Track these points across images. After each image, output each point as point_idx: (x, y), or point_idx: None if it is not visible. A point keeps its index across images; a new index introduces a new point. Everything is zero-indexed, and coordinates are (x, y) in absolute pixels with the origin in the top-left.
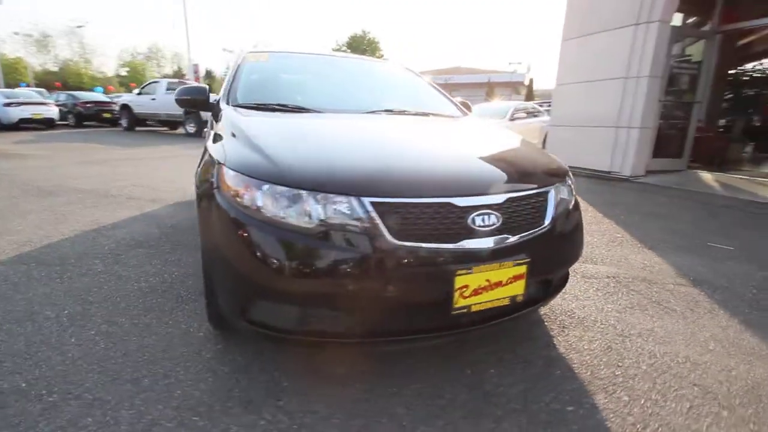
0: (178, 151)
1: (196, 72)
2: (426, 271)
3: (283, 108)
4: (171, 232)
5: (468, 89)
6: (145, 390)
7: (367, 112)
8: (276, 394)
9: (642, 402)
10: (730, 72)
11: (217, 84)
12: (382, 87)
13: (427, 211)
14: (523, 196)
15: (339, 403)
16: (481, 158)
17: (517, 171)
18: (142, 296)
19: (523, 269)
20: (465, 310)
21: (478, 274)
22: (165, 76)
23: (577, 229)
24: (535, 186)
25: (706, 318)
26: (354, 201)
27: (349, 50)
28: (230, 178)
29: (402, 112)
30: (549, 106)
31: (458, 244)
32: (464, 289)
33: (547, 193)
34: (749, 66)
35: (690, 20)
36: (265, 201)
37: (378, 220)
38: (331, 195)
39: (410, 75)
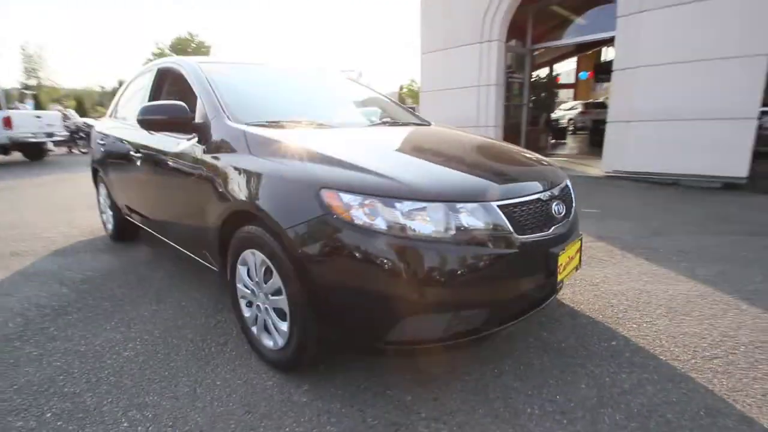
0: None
1: None
2: (541, 256)
3: (303, 124)
4: (88, 289)
5: None
6: None
7: (373, 125)
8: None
9: (639, 319)
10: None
11: None
12: (354, 99)
13: (529, 208)
14: (564, 186)
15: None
16: (524, 159)
17: (551, 167)
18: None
19: (579, 244)
20: (560, 284)
21: (564, 252)
22: None
23: None
24: (565, 177)
25: (627, 261)
26: (483, 206)
27: (173, 53)
28: (350, 200)
29: (395, 123)
30: None
31: (551, 230)
32: (561, 266)
33: (568, 182)
34: (543, 74)
35: (514, 41)
36: (402, 218)
37: (505, 220)
38: (462, 204)
39: (360, 85)
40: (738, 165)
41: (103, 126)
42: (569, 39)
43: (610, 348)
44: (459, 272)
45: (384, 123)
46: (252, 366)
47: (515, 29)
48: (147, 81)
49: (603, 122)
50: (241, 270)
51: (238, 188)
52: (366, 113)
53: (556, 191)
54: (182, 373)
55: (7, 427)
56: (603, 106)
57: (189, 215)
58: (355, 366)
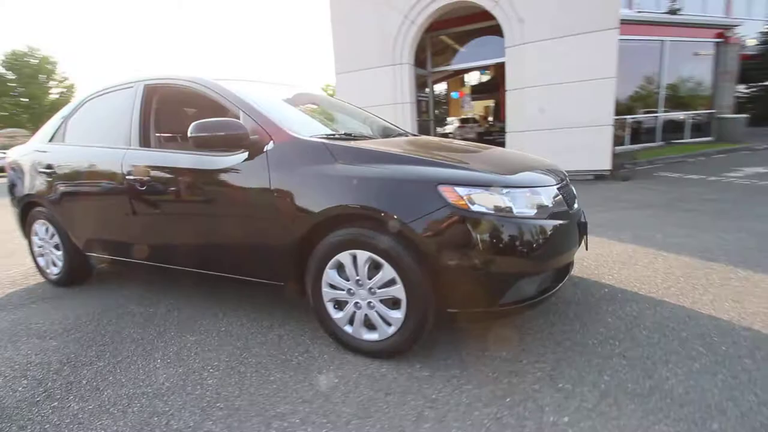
0: None
1: None
2: (581, 226)
3: (348, 137)
4: (85, 337)
5: None
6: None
7: (399, 136)
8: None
9: (610, 273)
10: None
11: None
12: (351, 113)
13: (563, 190)
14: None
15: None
16: (542, 158)
17: (550, 163)
18: None
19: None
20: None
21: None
22: None
23: None
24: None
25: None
26: (550, 189)
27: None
28: (463, 192)
29: (403, 134)
30: None
31: (572, 209)
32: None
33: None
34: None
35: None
36: (506, 202)
37: (562, 198)
38: (539, 188)
39: (347, 103)
40: (604, 161)
41: (46, 153)
42: (463, 64)
43: (607, 294)
44: (546, 239)
45: (398, 135)
46: (354, 361)
47: (419, 54)
48: (127, 100)
49: (483, 134)
50: (331, 273)
51: (335, 196)
52: (370, 126)
53: (564, 182)
54: (291, 381)
55: None
56: (474, 121)
57: (250, 235)
58: (441, 340)
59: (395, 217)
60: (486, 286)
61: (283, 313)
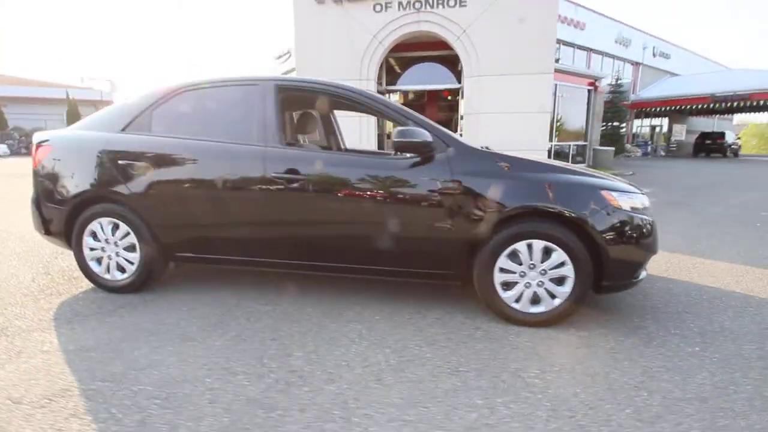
0: None
1: None
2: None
3: (488, 149)
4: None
5: (29, 105)
6: None
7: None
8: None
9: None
10: None
11: None
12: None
13: None
14: None
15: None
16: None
17: None
18: None
19: None
20: None
21: None
22: None
23: None
24: None
25: None
26: (644, 194)
27: None
28: (615, 195)
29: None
30: None
31: None
32: None
33: None
34: None
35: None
36: (637, 203)
37: None
38: (642, 195)
39: None
40: None
41: (126, 144)
42: (414, 86)
43: None
44: (654, 230)
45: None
46: (532, 330)
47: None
48: (253, 97)
49: None
50: (504, 261)
51: (521, 197)
52: None
53: None
54: (497, 347)
55: None
56: None
57: (424, 231)
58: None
59: (573, 213)
60: (632, 265)
61: (432, 303)
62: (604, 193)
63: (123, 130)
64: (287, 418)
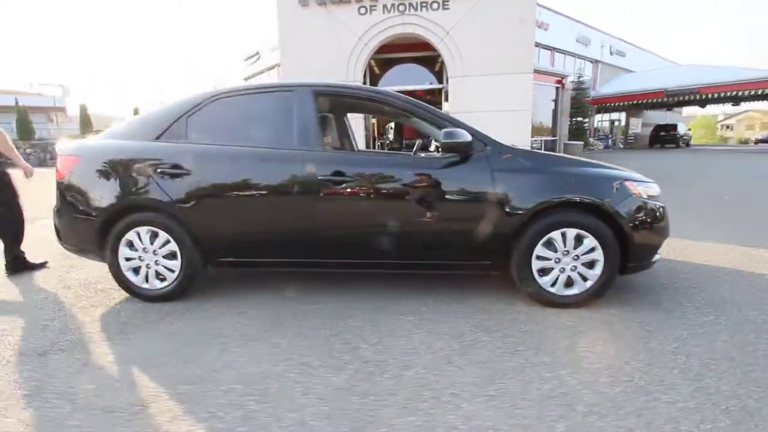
0: None
1: None
2: None
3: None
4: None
5: None
6: None
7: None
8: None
9: None
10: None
11: None
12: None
13: None
14: None
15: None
16: None
17: None
18: None
19: None
20: None
21: None
22: None
23: None
24: None
25: None
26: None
27: None
28: (635, 185)
29: None
30: None
31: None
32: None
33: None
34: None
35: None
36: (652, 191)
37: None
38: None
39: None
40: None
41: (164, 152)
42: (399, 86)
43: None
44: (665, 213)
45: None
46: (570, 311)
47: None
48: (288, 102)
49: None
50: (540, 249)
51: (556, 190)
52: None
53: None
54: (545, 325)
55: None
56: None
57: (467, 224)
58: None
59: (604, 203)
60: (652, 247)
61: (465, 293)
62: (627, 183)
63: (158, 138)
64: (382, 402)
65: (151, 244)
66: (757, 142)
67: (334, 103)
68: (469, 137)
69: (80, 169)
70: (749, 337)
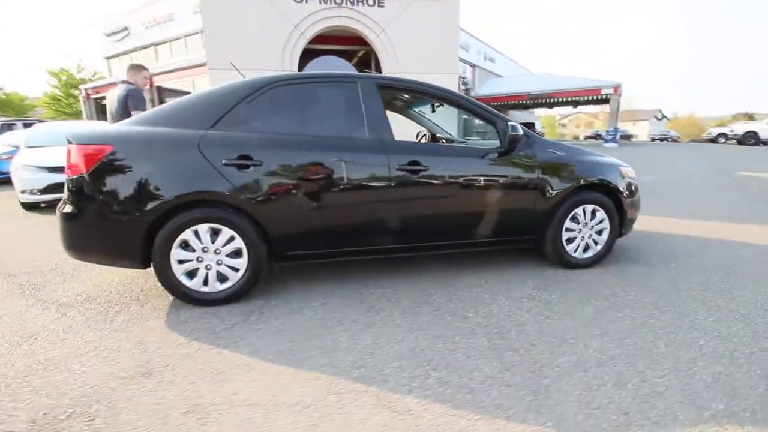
0: None
1: None
2: None
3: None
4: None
5: None
6: None
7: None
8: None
9: None
10: None
11: None
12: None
13: None
14: None
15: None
16: None
17: None
18: None
19: None
20: None
21: None
22: None
23: None
24: None
25: None
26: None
27: None
28: (624, 169)
29: None
30: None
31: None
32: None
33: None
34: None
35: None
36: (632, 174)
37: None
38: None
39: None
40: None
41: (226, 141)
42: None
43: None
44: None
45: None
46: (587, 271)
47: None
48: (351, 93)
49: None
50: (568, 222)
51: (585, 173)
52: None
53: None
54: (594, 283)
55: None
56: None
57: (519, 204)
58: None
59: (614, 184)
60: (633, 218)
61: (501, 265)
62: (621, 168)
63: (213, 126)
64: (533, 350)
65: (212, 242)
66: (587, 138)
67: (391, 96)
68: (520, 131)
69: (116, 160)
70: (731, 282)
